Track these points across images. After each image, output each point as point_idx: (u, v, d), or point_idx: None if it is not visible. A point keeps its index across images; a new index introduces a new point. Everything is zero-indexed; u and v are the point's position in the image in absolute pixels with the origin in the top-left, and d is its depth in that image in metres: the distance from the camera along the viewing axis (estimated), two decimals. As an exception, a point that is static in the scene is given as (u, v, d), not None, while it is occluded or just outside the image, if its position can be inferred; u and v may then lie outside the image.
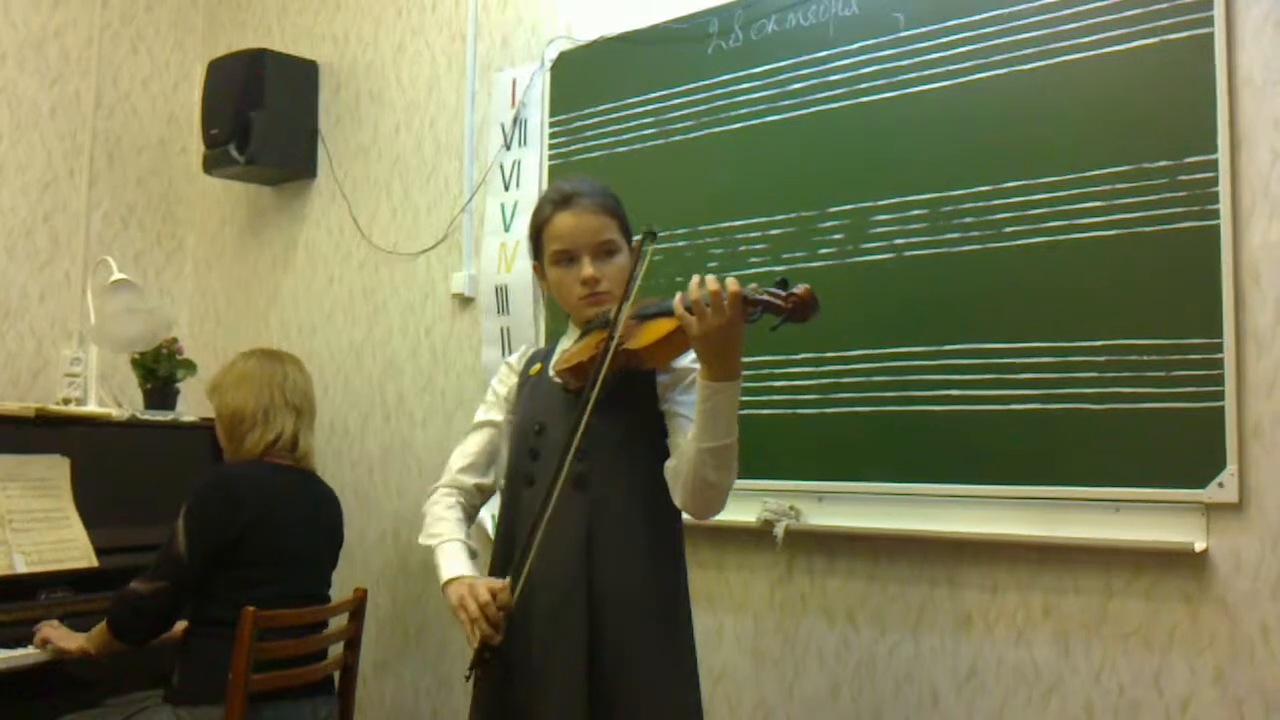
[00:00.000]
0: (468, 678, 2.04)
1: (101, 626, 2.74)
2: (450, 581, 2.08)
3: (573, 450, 1.97)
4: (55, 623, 2.89)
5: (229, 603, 2.58)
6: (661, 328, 1.98)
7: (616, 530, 2.08)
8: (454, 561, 2.14)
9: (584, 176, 2.31)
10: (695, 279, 1.88)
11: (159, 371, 3.69)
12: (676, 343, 1.98)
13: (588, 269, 2.13)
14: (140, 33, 4.23)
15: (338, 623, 2.86)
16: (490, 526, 2.87)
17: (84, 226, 4.05)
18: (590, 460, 2.05)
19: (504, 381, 2.33)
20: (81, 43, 4.07)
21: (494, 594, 1.97)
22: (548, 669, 2.05)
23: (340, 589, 2.97)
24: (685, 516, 2.13)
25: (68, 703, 2.75)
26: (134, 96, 4.21)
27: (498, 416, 2.30)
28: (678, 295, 1.91)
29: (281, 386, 2.90)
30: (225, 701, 2.49)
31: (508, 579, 2.00)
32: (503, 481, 2.29)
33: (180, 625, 2.78)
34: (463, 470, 2.29)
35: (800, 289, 1.84)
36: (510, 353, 2.48)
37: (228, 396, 2.89)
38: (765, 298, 1.85)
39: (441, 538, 2.19)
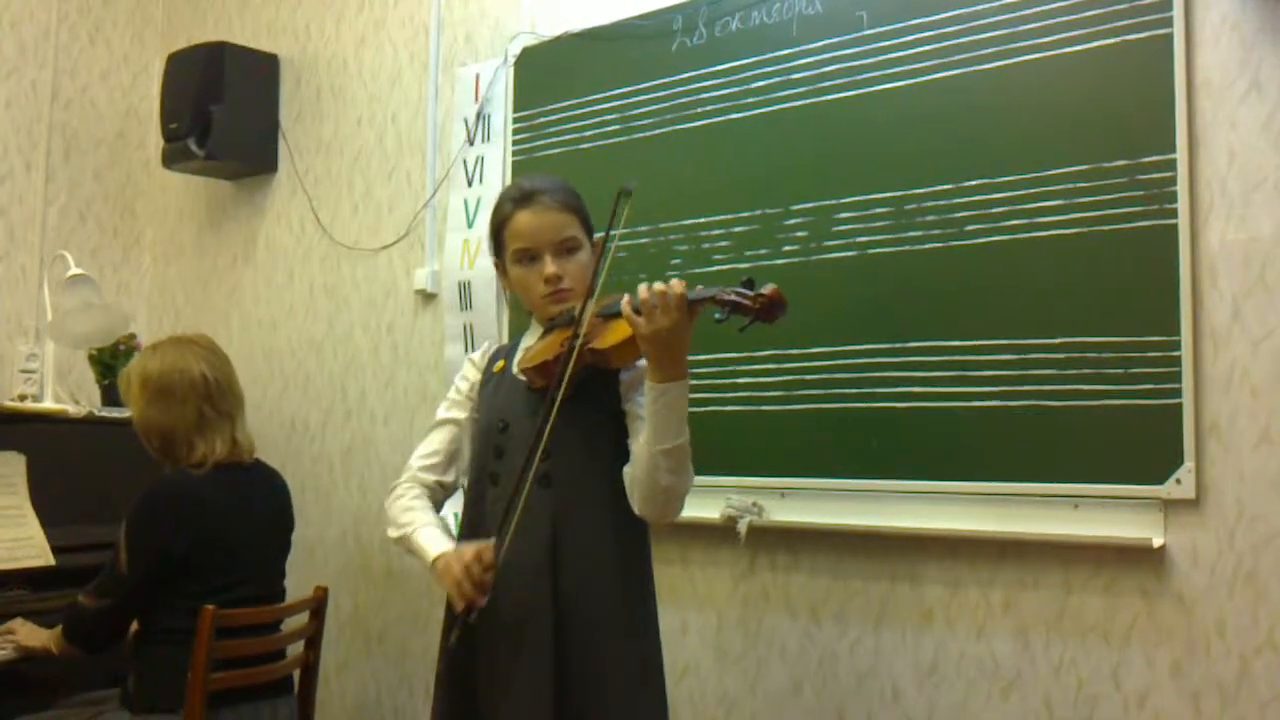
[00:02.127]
0: (454, 640, 2.00)
1: (60, 630, 2.70)
2: (438, 558, 2.07)
3: (540, 449, 1.96)
4: (22, 620, 2.83)
5: (183, 611, 2.52)
6: (627, 328, 1.97)
7: (582, 529, 2.07)
8: (437, 541, 2.12)
9: (545, 173, 2.30)
10: (643, 285, 1.90)
11: (116, 368, 3.65)
12: None
13: (550, 267, 2.13)
14: (98, 25, 4.18)
15: (298, 621, 2.83)
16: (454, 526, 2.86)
17: (40, 221, 4.00)
18: (555, 459, 2.04)
19: (466, 378, 2.32)
20: (38, 34, 4.01)
21: (479, 556, 1.96)
22: (513, 669, 2.04)
23: (300, 587, 2.95)
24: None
25: (23, 704, 2.71)
26: (92, 89, 4.16)
27: (460, 414, 2.29)
28: (626, 297, 1.92)
29: (206, 395, 2.69)
30: (183, 708, 2.45)
31: (492, 540, 1.98)
32: (466, 480, 2.28)
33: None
34: (424, 468, 2.28)
35: (768, 289, 1.83)
36: (473, 349, 2.47)
37: (149, 413, 2.69)
38: (733, 298, 1.85)
39: (415, 525, 2.17)
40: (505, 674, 2.05)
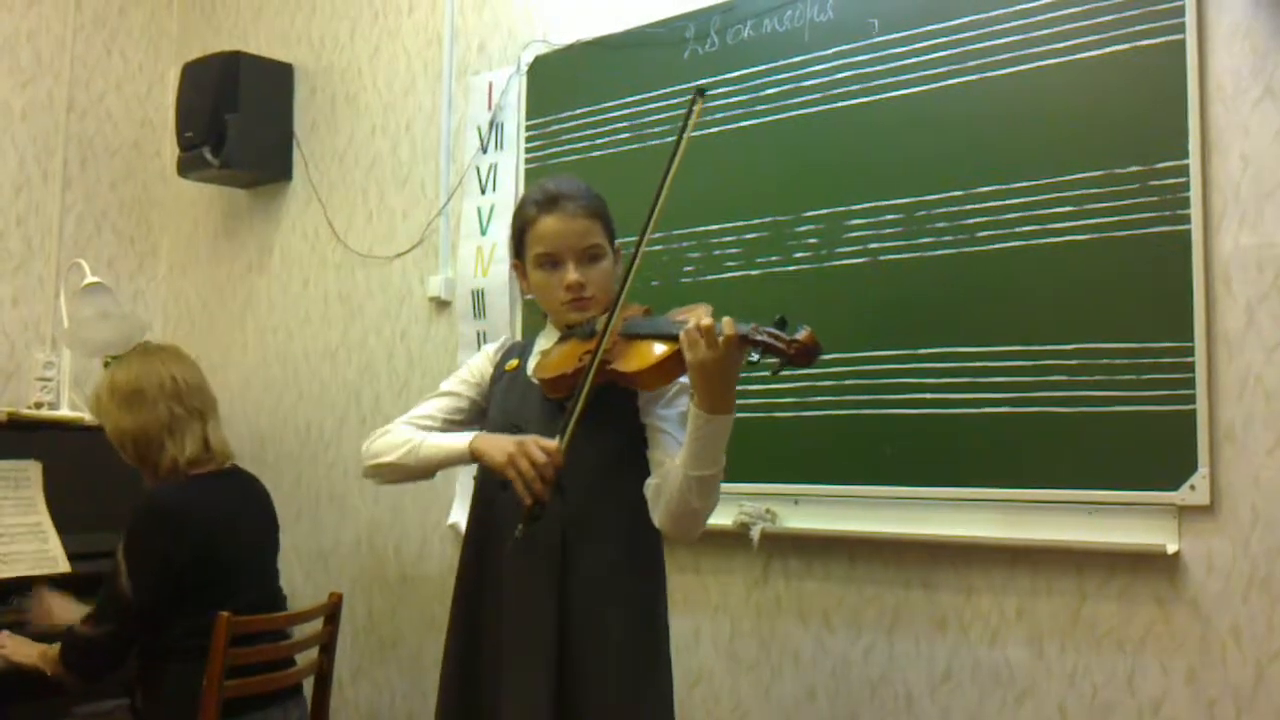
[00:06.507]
0: (518, 535, 1.98)
1: (56, 652, 2.64)
2: (477, 439, 2.06)
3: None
4: (8, 633, 2.79)
5: (187, 628, 2.53)
6: (654, 353, 1.95)
7: (593, 541, 2.06)
8: (455, 433, 2.12)
9: (569, 175, 2.29)
10: (698, 312, 1.89)
11: (132, 376, 3.67)
12: (669, 369, 1.95)
13: (572, 274, 2.11)
14: (113, 35, 4.20)
15: (312, 627, 2.84)
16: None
17: (57, 230, 4.02)
18: (569, 468, 2.04)
19: (479, 368, 2.30)
20: (54, 45, 4.04)
21: (549, 453, 1.95)
22: (517, 674, 2.04)
23: (315, 593, 2.96)
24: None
25: (35, 710, 2.71)
26: (107, 99, 4.18)
27: (464, 391, 2.27)
28: (687, 325, 1.88)
29: (175, 394, 2.69)
30: None
31: (556, 439, 1.97)
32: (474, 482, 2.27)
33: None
34: (410, 423, 2.23)
35: (803, 334, 1.81)
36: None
37: (122, 421, 2.69)
38: (767, 339, 1.83)
39: (417, 435, 2.15)
40: (510, 678, 2.05)
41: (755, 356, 1.86)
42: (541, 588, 2.04)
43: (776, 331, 1.83)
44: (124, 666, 2.65)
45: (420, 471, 2.18)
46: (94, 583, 2.82)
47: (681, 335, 1.87)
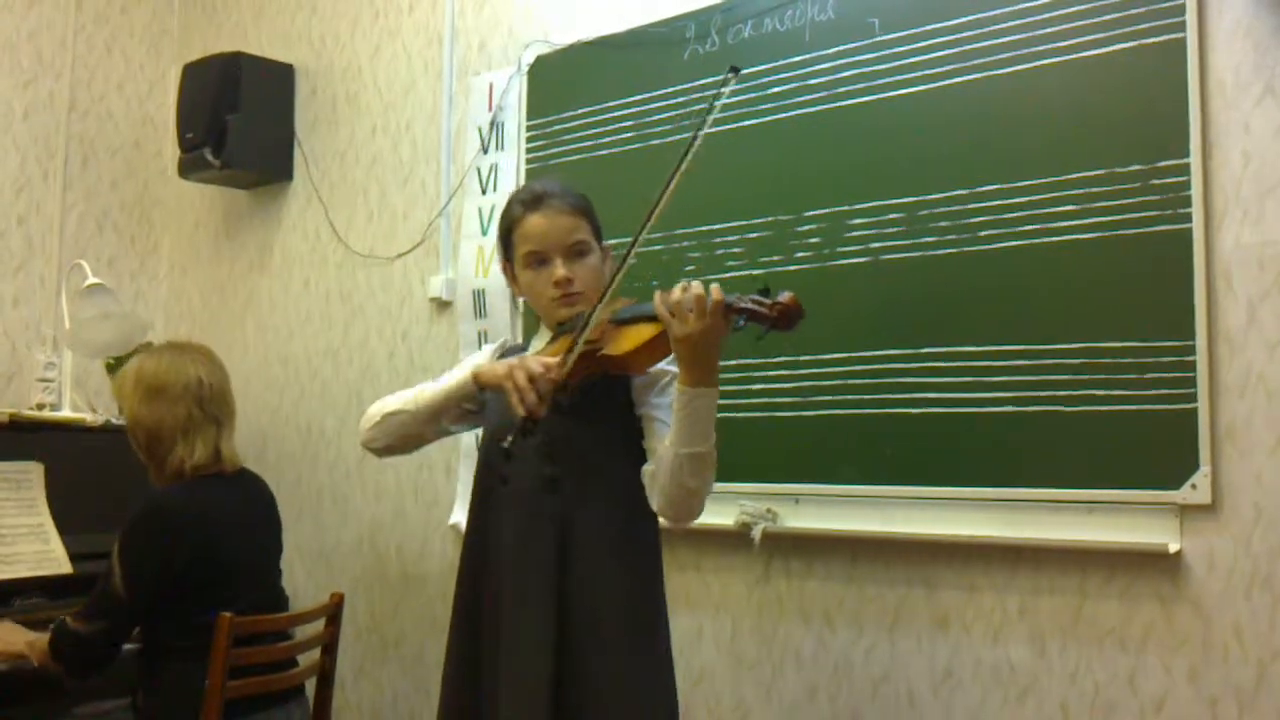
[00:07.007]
0: (509, 444, 1.98)
1: (45, 642, 2.62)
2: (479, 365, 2.15)
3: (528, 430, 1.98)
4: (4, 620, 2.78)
5: (190, 627, 2.52)
6: (642, 333, 1.97)
7: (590, 535, 2.07)
8: (459, 370, 2.19)
9: (553, 177, 2.30)
10: (680, 285, 1.89)
11: (133, 376, 3.67)
12: (657, 349, 1.97)
13: (560, 270, 2.12)
14: (115, 35, 4.20)
15: (314, 628, 2.84)
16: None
17: (58, 230, 4.02)
18: (563, 464, 2.04)
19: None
20: (55, 45, 4.04)
21: (547, 368, 1.97)
22: (516, 672, 2.04)
23: (316, 593, 2.97)
24: (661, 521, 2.13)
25: (35, 711, 2.71)
26: (108, 99, 4.18)
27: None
28: (658, 296, 1.91)
29: (198, 397, 2.68)
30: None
31: (560, 356, 1.98)
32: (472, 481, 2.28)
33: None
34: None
35: (785, 297, 1.83)
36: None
37: (140, 411, 2.68)
38: (750, 305, 1.85)
39: (414, 389, 2.23)
40: (508, 675, 2.05)
41: (741, 323, 1.87)
42: (539, 580, 2.05)
43: (759, 298, 1.85)
44: (115, 665, 2.64)
45: (422, 421, 2.22)
46: (95, 584, 2.82)
47: (658, 306, 1.90)
